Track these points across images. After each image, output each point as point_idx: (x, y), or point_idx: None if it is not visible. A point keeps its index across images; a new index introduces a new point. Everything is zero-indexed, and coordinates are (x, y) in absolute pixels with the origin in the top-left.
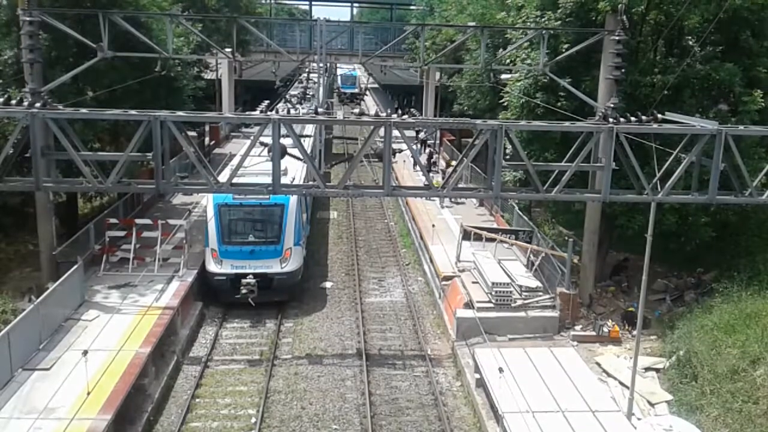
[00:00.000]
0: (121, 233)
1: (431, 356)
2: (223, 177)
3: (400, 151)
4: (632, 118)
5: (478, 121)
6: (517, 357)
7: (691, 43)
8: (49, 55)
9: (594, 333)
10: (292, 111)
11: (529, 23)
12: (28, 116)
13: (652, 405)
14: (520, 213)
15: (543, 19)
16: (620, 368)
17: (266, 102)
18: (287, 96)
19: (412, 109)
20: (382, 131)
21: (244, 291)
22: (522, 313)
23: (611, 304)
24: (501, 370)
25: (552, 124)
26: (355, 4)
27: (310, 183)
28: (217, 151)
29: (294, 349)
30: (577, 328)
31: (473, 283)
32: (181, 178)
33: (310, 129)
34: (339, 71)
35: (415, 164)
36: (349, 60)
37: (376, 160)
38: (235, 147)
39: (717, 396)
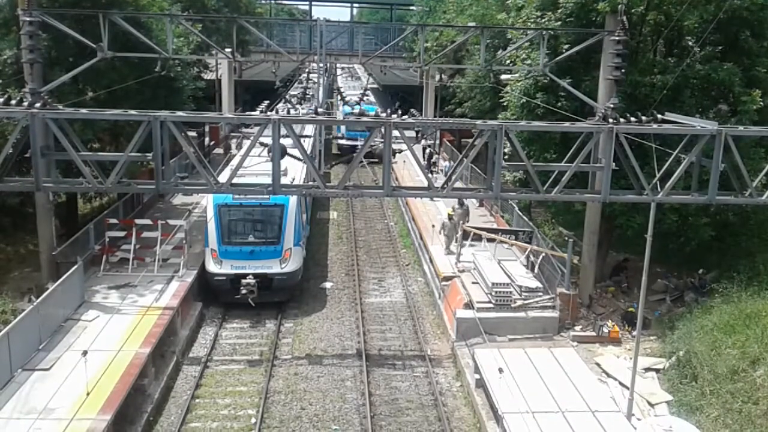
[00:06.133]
0: (121, 233)
1: (431, 357)
2: (222, 177)
3: (400, 151)
4: (632, 119)
5: (478, 122)
6: (516, 357)
7: (690, 43)
8: (49, 55)
9: (594, 333)
10: (292, 111)
11: (529, 24)
12: (27, 116)
13: (651, 405)
14: (520, 213)
15: (543, 20)
16: (620, 368)
17: (266, 102)
18: (287, 96)
19: (412, 110)
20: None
21: (243, 291)
22: (522, 314)
23: (611, 305)
24: (501, 370)
25: (552, 125)
26: (355, 5)
27: (310, 183)
28: (217, 151)
29: (294, 350)
30: (577, 328)
31: (473, 283)
32: (181, 179)
33: (309, 129)
34: (345, 98)
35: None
36: (349, 60)
37: (376, 161)
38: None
39: (717, 396)
